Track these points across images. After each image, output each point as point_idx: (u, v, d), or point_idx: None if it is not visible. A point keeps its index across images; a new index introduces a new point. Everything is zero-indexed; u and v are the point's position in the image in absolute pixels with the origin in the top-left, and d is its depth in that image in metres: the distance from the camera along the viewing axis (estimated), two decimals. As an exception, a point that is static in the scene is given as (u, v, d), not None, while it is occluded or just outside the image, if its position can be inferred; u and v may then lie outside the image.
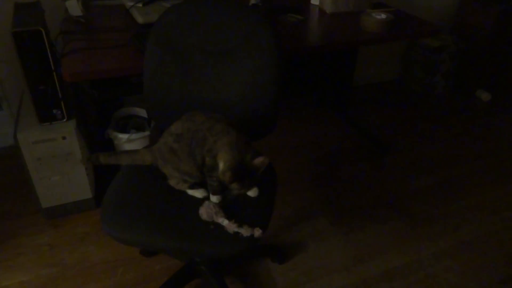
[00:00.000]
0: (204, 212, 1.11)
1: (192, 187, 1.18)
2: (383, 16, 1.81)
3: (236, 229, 1.07)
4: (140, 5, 1.82)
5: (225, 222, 1.08)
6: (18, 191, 1.91)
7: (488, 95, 2.91)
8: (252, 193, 1.19)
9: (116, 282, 1.53)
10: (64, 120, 1.61)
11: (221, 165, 1.06)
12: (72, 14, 1.76)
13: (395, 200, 1.98)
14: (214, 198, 1.14)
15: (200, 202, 1.14)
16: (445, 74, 2.92)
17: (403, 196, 2.01)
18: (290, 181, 2.06)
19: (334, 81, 2.62)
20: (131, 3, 1.82)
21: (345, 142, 2.40)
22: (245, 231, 1.07)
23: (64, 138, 1.60)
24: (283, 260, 1.64)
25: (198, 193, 1.18)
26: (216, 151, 1.07)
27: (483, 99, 2.92)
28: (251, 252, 1.63)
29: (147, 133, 1.82)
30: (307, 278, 1.59)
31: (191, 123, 1.11)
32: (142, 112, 1.97)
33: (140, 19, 1.72)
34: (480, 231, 1.83)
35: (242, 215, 1.12)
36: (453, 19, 3.02)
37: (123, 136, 1.76)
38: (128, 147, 1.79)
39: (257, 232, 1.07)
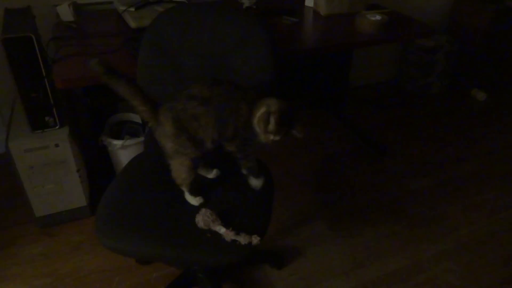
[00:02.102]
0: (200, 220, 1.08)
1: (191, 192, 1.15)
2: (378, 17, 1.80)
3: (233, 237, 1.05)
4: (132, 9, 1.80)
5: (222, 230, 1.06)
6: (11, 200, 1.88)
7: (484, 94, 2.91)
8: (258, 183, 1.18)
9: (112, 291, 1.51)
10: (57, 127, 1.58)
11: (261, 110, 1.01)
12: (64, 20, 1.74)
13: (393, 203, 1.97)
14: (256, 182, 1.14)
15: (196, 209, 1.12)
16: (440, 74, 2.92)
17: (401, 198, 2.00)
18: (286, 185, 2.04)
19: (330, 83, 2.61)
20: (124, 8, 1.80)
21: (341, 144, 2.39)
22: (242, 239, 1.05)
23: (57, 145, 1.57)
24: (282, 266, 1.63)
25: (194, 201, 1.15)
26: (253, 116, 1.03)
27: (479, 98, 2.92)
28: (249, 258, 1.61)
29: (141, 138, 1.79)
30: (306, 283, 1.57)
31: (221, 88, 1.04)
32: (136, 118, 1.95)
33: (132, 24, 1.70)
34: (479, 232, 1.82)
35: (239, 222, 1.10)
36: (447, 19, 3.03)
37: (117, 142, 1.74)
38: (122, 153, 1.77)
39: (255, 240, 1.05)
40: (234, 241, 1.05)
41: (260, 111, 1.01)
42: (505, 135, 2.53)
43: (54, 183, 1.65)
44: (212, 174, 1.25)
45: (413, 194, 2.03)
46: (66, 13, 1.71)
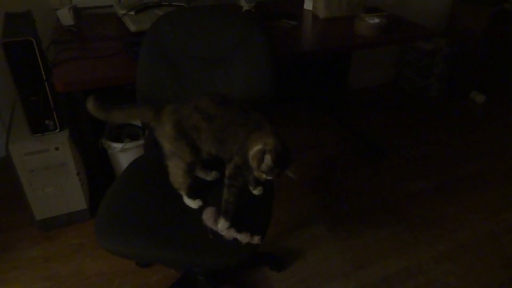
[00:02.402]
0: (207, 217, 1.09)
1: (190, 195, 1.16)
2: (376, 20, 1.81)
3: (235, 235, 1.05)
4: (132, 13, 1.81)
5: (224, 227, 1.07)
6: (11, 203, 1.88)
7: (483, 97, 2.92)
8: (257, 191, 1.19)
9: (112, 294, 1.51)
10: (57, 130, 1.59)
11: (260, 144, 0.99)
12: (64, 23, 1.74)
13: (393, 205, 1.97)
14: (223, 224, 1.07)
15: (195, 212, 1.13)
16: (439, 77, 2.93)
17: (400, 200, 2.00)
18: (286, 187, 2.05)
19: (329, 85, 2.62)
20: (123, 11, 1.81)
21: (340, 146, 2.39)
22: (244, 238, 1.05)
23: (57, 149, 1.58)
24: (281, 268, 1.63)
25: (193, 204, 1.16)
26: (248, 144, 1.01)
27: (478, 101, 2.93)
28: (249, 261, 1.61)
29: (141, 142, 1.80)
30: (306, 285, 1.57)
31: (228, 110, 1.05)
32: (136, 121, 1.95)
33: (132, 27, 1.71)
34: (478, 234, 1.83)
35: (239, 224, 1.10)
36: (446, 21, 3.04)
37: (117, 146, 1.74)
38: (122, 156, 1.77)
39: (256, 239, 1.06)
40: (235, 239, 1.05)
41: (256, 148, 0.99)
42: (504, 137, 2.54)
43: (54, 186, 1.65)
44: (210, 177, 1.25)
45: (412, 196, 2.03)
46: (66, 17, 1.72)
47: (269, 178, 1.00)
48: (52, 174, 1.62)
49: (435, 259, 1.69)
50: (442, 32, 3.05)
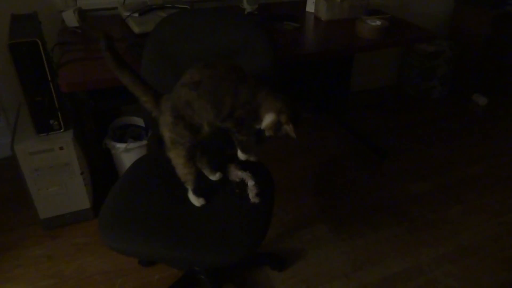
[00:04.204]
0: (232, 171, 1.23)
1: (195, 191, 1.17)
2: (378, 22, 1.82)
3: (239, 174, 1.18)
4: (136, 15, 1.83)
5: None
6: (16, 202, 1.90)
7: (485, 99, 2.92)
8: (243, 156, 1.20)
9: (115, 292, 1.53)
10: (61, 130, 1.61)
11: (272, 116, 1.05)
12: (69, 25, 1.77)
13: (394, 206, 1.98)
14: (243, 156, 1.16)
15: (197, 211, 1.14)
16: (441, 79, 2.94)
17: (401, 201, 2.01)
18: (288, 188, 2.06)
19: (331, 88, 2.63)
20: (128, 13, 1.83)
21: (343, 148, 2.40)
22: (246, 175, 1.20)
23: (61, 148, 1.59)
24: (283, 268, 1.64)
25: (197, 202, 1.18)
26: (257, 104, 1.05)
27: (480, 103, 2.93)
28: (250, 260, 1.63)
29: (144, 142, 1.82)
30: (307, 285, 1.58)
31: (213, 70, 1.04)
32: (140, 122, 1.97)
33: (136, 29, 1.73)
34: (479, 235, 1.83)
35: (239, 224, 1.12)
36: (448, 24, 3.04)
37: (121, 146, 1.76)
38: (125, 156, 1.79)
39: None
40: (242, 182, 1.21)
41: (271, 119, 1.04)
42: (506, 139, 2.54)
43: (59, 186, 1.67)
44: (215, 177, 1.27)
45: (414, 197, 2.04)
46: (71, 18, 1.74)
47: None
48: (56, 174, 1.64)
49: (436, 261, 1.70)
50: (444, 35, 3.06)
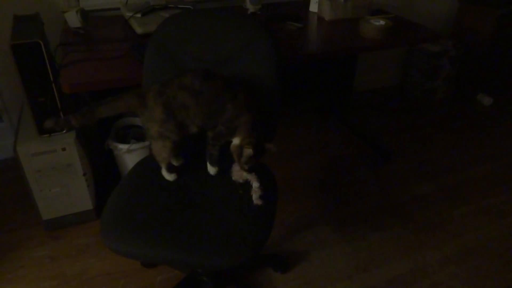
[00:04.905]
0: (235, 172, 1.23)
1: (168, 169, 1.23)
2: (382, 22, 1.81)
3: (245, 176, 1.20)
4: (139, 15, 1.82)
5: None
6: (18, 203, 1.90)
7: (490, 99, 2.90)
8: (212, 170, 1.26)
9: (117, 294, 1.52)
10: (64, 131, 1.61)
11: (239, 140, 1.13)
12: (71, 26, 1.76)
13: (398, 207, 1.97)
14: (212, 170, 1.23)
15: (200, 213, 1.14)
16: (445, 79, 2.92)
17: (405, 202, 2.00)
18: (291, 189, 2.05)
19: (334, 88, 2.62)
20: (130, 14, 1.82)
21: (346, 148, 2.39)
22: (252, 177, 1.20)
23: (63, 149, 1.59)
24: (285, 270, 1.63)
25: (169, 177, 1.24)
26: (237, 124, 1.13)
27: (485, 103, 2.91)
28: (253, 262, 1.62)
29: (147, 143, 1.81)
30: (310, 287, 1.57)
31: (212, 84, 1.12)
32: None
33: (139, 30, 1.73)
34: (484, 237, 1.81)
35: (242, 225, 1.11)
36: (452, 24, 3.02)
37: (123, 147, 1.76)
38: (128, 157, 1.78)
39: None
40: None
41: (236, 143, 1.14)
42: (511, 140, 2.52)
43: (61, 187, 1.67)
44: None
45: (418, 198, 2.02)
46: (73, 19, 1.74)
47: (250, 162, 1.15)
48: (58, 175, 1.63)
49: (440, 262, 1.68)
50: (449, 34, 3.04)
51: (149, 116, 1.13)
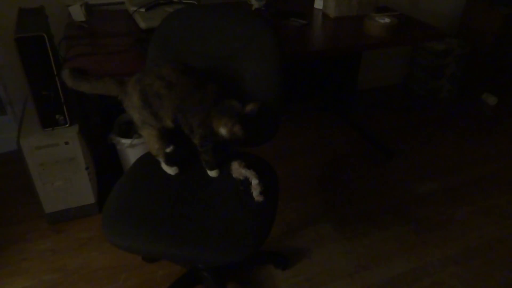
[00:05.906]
0: (235, 170, 1.23)
1: (167, 163, 1.24)
2: (387, 20, 1.80)
3: (243, 172, 1.19)
4: (143, 10, 1.82)
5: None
6: (21, 196, 1.91)
7: (495, 98, 2.88)
8: (212, 173, 1.26)
9: (118, 288, 1.53)
10: (67, 125, 1.61)
11: (223, 130, 1.12)
12: (76, 20, 1.76)
13: (400, 206, 1.96)
14: (212, 173, 1.23)
15: (202, 208, 1.14)
16: (450, 78, 2.90)
17: (408, 201, 1.99)
18: (293, 186, 2.05)
19: (338, 85, 2.61)
20: (134, 8, 1.82)
21: (349, 146, 2.38)
22: (251, 174, 1.19)
23: (66, 143, 1.60)
24: (286, 267, 1.63)
25: (170, 170, 1.24)
26: (210, 121, 1.13)
27: (490, 102, 2.90)
28: (254, 259, 1.62)
29: (150, 138, 1.81)
30: (310, 284, 1.57)
31: (187, 79, 1.12)
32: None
33: (142, 24, 1.73)
34: (487, 237, 1.81)
35: (243, 222, 1.11)
36: (458, 22, 3.00)
37: (126, 141, 1.76)
38: (130, 152, 1.79)
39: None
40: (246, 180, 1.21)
41: (225, 131, 1.12)
42: (515, 140, 2.51)
43: (63, 180, 1.67)
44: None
45: (420, 197, 2.02)
46: (78, 13, 1.74)
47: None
48: (61, 168, 1.64)
49: (441, 262, 1.68)
50: (454, 33, 3.02)
51: (129, 102, 1.15)
